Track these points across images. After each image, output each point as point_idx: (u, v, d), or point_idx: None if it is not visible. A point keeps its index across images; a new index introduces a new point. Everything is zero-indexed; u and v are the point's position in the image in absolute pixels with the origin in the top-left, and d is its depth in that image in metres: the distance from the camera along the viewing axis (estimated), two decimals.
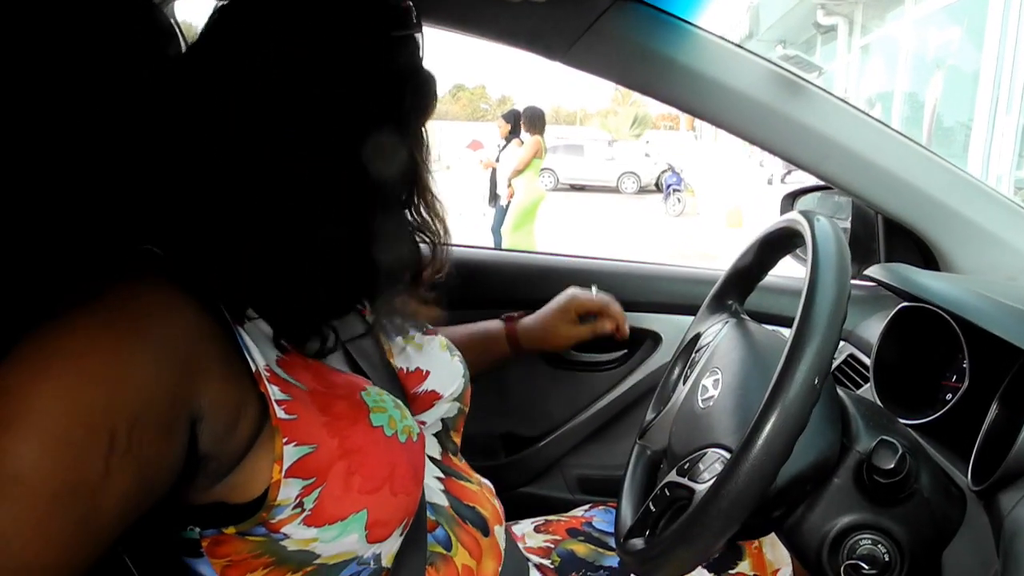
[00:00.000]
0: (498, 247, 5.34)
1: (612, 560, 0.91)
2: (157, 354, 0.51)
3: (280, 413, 0.58)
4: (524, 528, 0.98)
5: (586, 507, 1.05)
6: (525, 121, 5.64)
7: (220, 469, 0.57)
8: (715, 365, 0.80)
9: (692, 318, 0.97)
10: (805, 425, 0.56)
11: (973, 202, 1.08)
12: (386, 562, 0.66)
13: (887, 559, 0.65)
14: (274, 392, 0.58)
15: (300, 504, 0.58)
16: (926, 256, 1.14)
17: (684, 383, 0.87)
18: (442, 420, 0.82)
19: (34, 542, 0.47)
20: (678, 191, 12.75)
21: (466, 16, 1.09)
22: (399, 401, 0.69)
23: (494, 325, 1.10)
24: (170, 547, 0.63)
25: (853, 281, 0.74)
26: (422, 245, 0.72)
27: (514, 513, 0.93)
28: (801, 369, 0.56)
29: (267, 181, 0.58)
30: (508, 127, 5.89)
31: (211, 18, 0.61)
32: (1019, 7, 6.28)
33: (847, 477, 0.67)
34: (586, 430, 1.41)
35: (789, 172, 11.24)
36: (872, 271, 1.20)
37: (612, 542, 0.94)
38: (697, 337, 0.92)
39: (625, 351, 1.41)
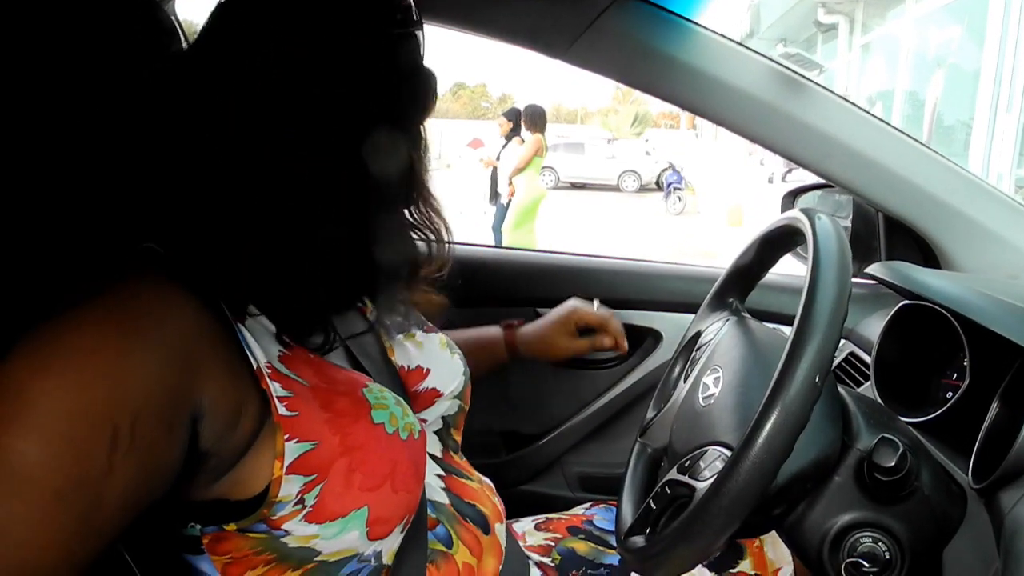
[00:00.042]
0: (499, 245, 5.34)
1: (613, 558, 0.91)
2: (159, 352, 0.51)
3: (281, 410, 0.58)
4: (525, 526, 0.99)
5: (587, 505, 1.05)
6: (526, 119, 5.64)
7: (221, 466, 0.57)
8: (716, 363, 0.80)
9: (693, 316, 0.97)
10: (806, 423, 0.56)
11: (974, 200, 1.08)
12: (387, 559, 0.66)
13: (888, 557, 0.65)
14: (275, 389, 0.58)
15: (301, 501, 0.58)
16: (927, 254, 1.14)
17: (685, 381, 0.87)
18: (443, 418, 0.82)
19: (36, 538, 0.47)
20: (679, 189, 12.75)
21: (467, 14, 1.09)
22: (400, 398, 0.69)
23: (493, 332, 1.10)
24: (171, 544, 0.63)
25: (854, 279, 0.74)
26: (422, 243, 0.72)
27: (515, 511, 0.93)
28: (802, 367, 0.56)
29: (267, 180, 0.58)
30: (509, 125, 5.90)
31: (211, 16, 0.61)
32: (1020, 6, 6.27)
33: (848, 475, 0.67)
34: (587, 428, 1.41)
35: (790, 170, 11.24)
36: (873, 269, 1.20)
37: (613, 540, 0.94)
38: (698, 335, 0.92)
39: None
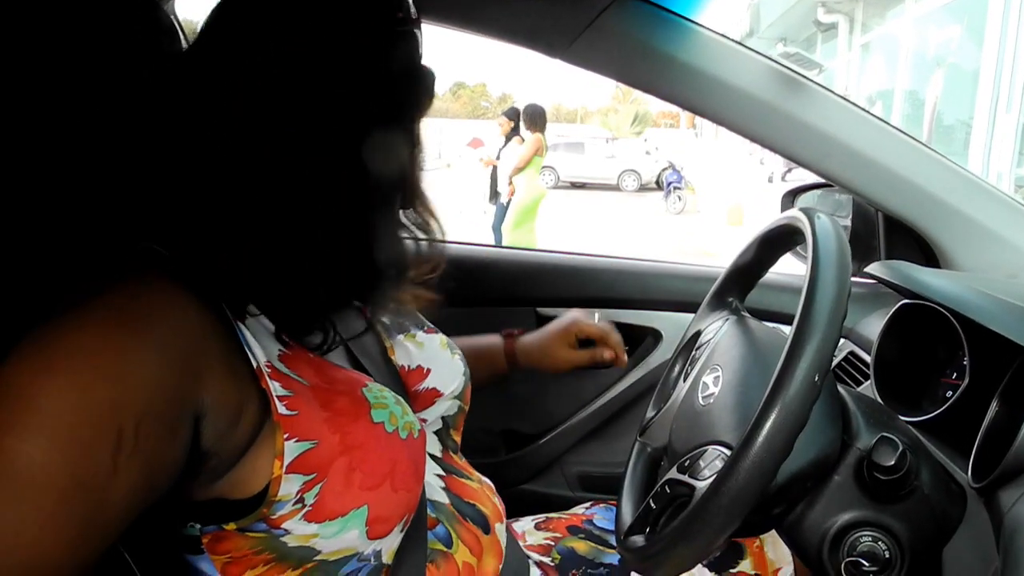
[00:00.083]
0: (499, 245, 5.34)
1: (612, 557, 0.91)
2: (161, 352, 0.51)
3: (281, 409, 0.58)
4: (524, 525, 0.99)
5: (587, 505, 1.05)
6: (526, 119, 5.64)
7: (221, 465, 0.57)
8: (716, 362, 0.80)
9: (692, 315, 0.97)
10: (805, 422, 0.56)
11: (974, 200, 1.08)
12: (386, 559, 0.66)
13: (887, 556, 0.65)
14: (275, 388, 0.58)
15: (301, 500, 0.58)
16: (927, 253, 1.14)
17: (684, 380, 0.87)
18: (442, 418, 0.82)
19: (41, 541, 0.47)
20: (679, 189, 12.74)
21: (467, 13, 1.09)
22: (400, 398, 0.69)
23: (493, 341, 1.09)
24: (171, 544, 0.63)
25: (854, 278, 0.74)
26: (416, 242, 0.72)
27: (514, 510, 0.93)
28: (801, 366, 0.56)
29: (268, 179, 0.58)
30: (509, 125, 5.90)
31: (211, 15, 0.61)
32: (1019, 5, 6.28)
33: (847, 474, 0.67)
34: (587, 427, 1.41)
35: (790, 170, 11.25)
36: (873, 268, 1.20)
37: (612, 539, 0.94)
38: (698, 334, 0.92)
39: (626, 348, 1.41)
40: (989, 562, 0.62)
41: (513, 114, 5.92)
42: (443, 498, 0.75)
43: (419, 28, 0.66)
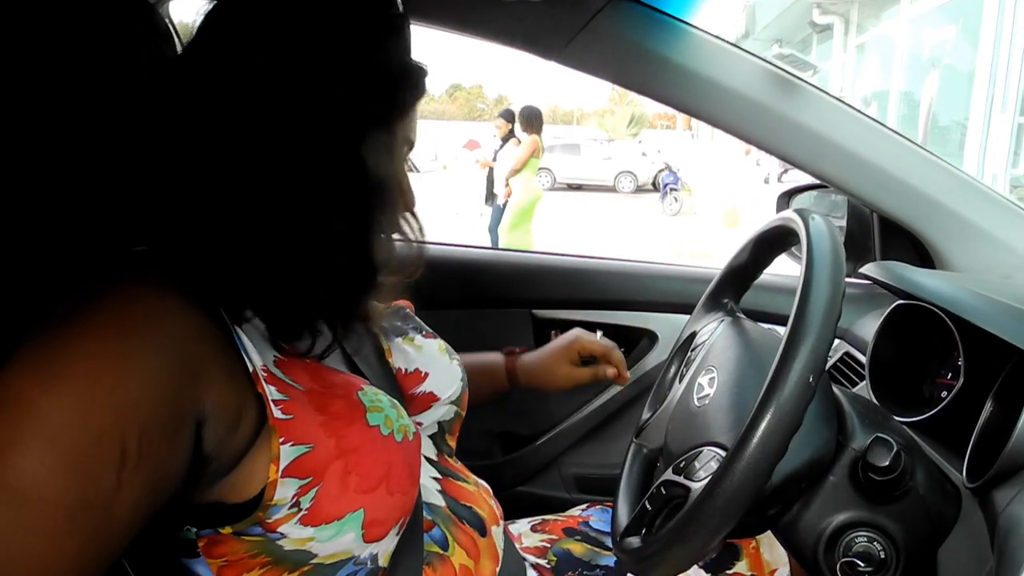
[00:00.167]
0: (495, 246, 5.34)
1: (608, 559, 0.91)
2: (161, 357, 0.51)
3: (277, 413, 0.58)
4: (521, 527, 0.99)
5: (583, 506, 1.05)
6: (522, 120, 5.64)
7: (220, 469, 0.57)
8: (711, 363, 0.80)
9: (688, 317, 0.97)
10: (800, 423, 0.56)
11: (969, 200, 1.08)
12: (383, 562, 0.66)
13: (883, 556, 0.65)
14: (271, 392, 0.58)
15: (296, 504, 0.58)
16: (921, 254, 1.14)
17: (680, 382, 0.87)
18: (438, 423, 0.82)
19: (47, 557, 0.46)
20: (675, 190, 12.75)
21: (462, 16, 1.09)
22: (396, 401, 0.69)
23: (494, 358, 1.08)
24: (167, 547, 0.62)
25: (848, 279, 0.75)
26: (399, 244, 0.72)
27: (511, 512, 0.93)
28: (796, 367, 0.56)
29: (267, 180, 0.58)
30: (506, 127, 5.90)
31: (208, 16, 0.61)
32: (1014, 6, 6.30)
33: (842, 475, 0.67)
34: (582, 429, 1.41)
35: (785, 171, 11.27)
36: (867, 269, 1.20)
37: (608, 541, 0.94)
38: (693, 336, 0.92)
39: (622, 350, 1.41)
40: (984, 562, 0.62)
41: (509, 116, 5.92)
42: (439, 501, 0.75)
43: (408, 24, 0.66)
